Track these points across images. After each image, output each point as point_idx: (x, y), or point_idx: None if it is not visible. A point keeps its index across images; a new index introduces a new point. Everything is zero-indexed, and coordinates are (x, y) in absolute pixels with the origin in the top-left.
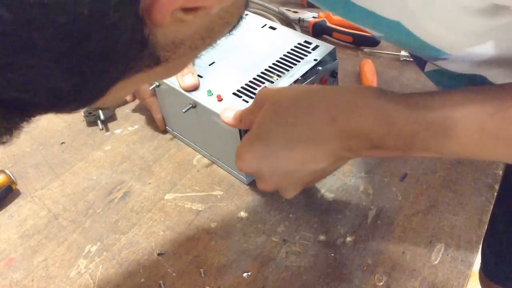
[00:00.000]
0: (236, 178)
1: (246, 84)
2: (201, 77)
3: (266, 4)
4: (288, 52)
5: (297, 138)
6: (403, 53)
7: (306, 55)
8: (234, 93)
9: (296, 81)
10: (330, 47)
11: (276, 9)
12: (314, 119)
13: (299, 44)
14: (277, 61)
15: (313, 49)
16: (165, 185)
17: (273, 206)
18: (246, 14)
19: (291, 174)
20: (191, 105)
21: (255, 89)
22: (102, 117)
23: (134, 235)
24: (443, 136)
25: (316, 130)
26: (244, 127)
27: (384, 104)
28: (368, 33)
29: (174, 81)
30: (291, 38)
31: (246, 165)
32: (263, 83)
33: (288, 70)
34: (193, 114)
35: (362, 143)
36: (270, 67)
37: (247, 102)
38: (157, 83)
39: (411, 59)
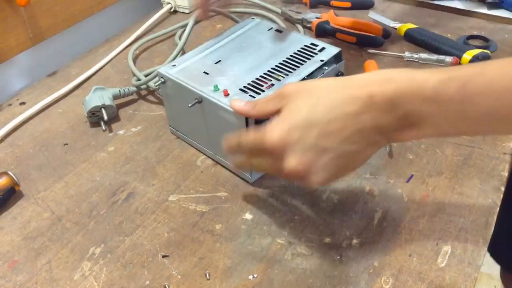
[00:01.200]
0: (241, 177)
1: (253, 81)
2: (207, 74)
3: (269, 5)
4: (294, 53)
5: (334, 117)
6: (407, 54)
7: (312, 56)
8: (241, 89)
9: (302, 80)
10: (336, 49)
11: (279, 10)
12: (351, 98)
13: (305, 46)
14: (284, 61)
15: (320, 50)
16: (169, 186)
17: (278, 207)
18: (252, 18)
19: (325, 152)
20: (197, 100)
21: (262, 86)
22: (105, 117)
23: (138, 237)
24: (478, 92)
25: (351, 108)
26: (255, 114)
27: (417, 72)
28: (372, 33)
29: (179, 76)
30: (298, 40)
31: (280, 134)
32: (270, 80)
33: (295, 69)
34: (198, 110)
35: (397, 119)
36: (277, 66)
37: (254, 97)
38: (163, 79)
39: (415, 60)
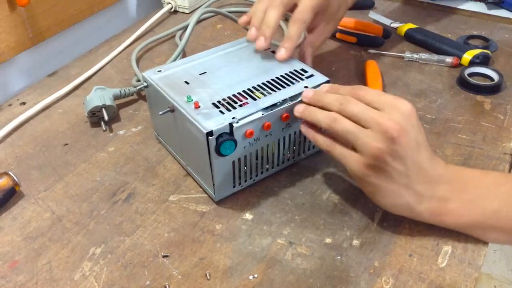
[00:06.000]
0: (207, 193)
1: (229, 97)
2: (187, 83)
3: None
4: (281, 75)
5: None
6: (407, 54)
7: (298, 81)
8: (213, 103)
9: (284, 101)
10: (324, 78)
11: None
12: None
13: (295, 70)
14: (267, 81)
15: (308, 77)
16: (169, 186)
17: (278, 207)
18: None
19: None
20: (169, 108)
21: (236, 103)
22: (106, 118)
23: (139, 237)
24: None
25: (434, 165)
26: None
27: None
28: (372, 33)
29: (159, 83)
30: (289, 64)
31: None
32: (246, 98)
33: (275, 91)
34: (172, 119)
35: (456, 191)
36: (258, 85)
37: (223, 113)
38: (146, 84)
39: (415, 60)
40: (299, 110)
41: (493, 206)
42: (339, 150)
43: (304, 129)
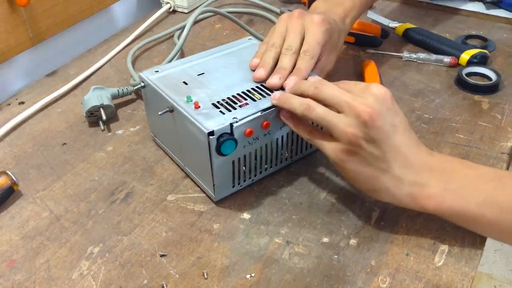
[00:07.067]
0: (206, 193)
1: (228, 98)
2: (186, 84)
3: (268, 5)
4: None
5: (408, 143)
6: (405, 53)
7: None
8: (213, 104)
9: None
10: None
11: (278, 10)
12: (421, 146)
13: None
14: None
15: (306, 79)
16: (167, 186)
17: (276, 207)
18: (250, 39)
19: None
20: (168, 108)
21: (236, 103)
22: (104, 117)
23: (137, 236)
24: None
25: (417, 152)
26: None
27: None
28: (370, 33)
29: (157, 83)
30: None
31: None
32: (246, 99)
33: (273, 92)
34: (171, 119)
35: (439, 180)
36: (257, 87)
37: (223, 113)
38: (143, 84)
39: (413, 60)
40: (275, 97)
41: (479, 198)
42: (317, 139)
43: (284, 118)
